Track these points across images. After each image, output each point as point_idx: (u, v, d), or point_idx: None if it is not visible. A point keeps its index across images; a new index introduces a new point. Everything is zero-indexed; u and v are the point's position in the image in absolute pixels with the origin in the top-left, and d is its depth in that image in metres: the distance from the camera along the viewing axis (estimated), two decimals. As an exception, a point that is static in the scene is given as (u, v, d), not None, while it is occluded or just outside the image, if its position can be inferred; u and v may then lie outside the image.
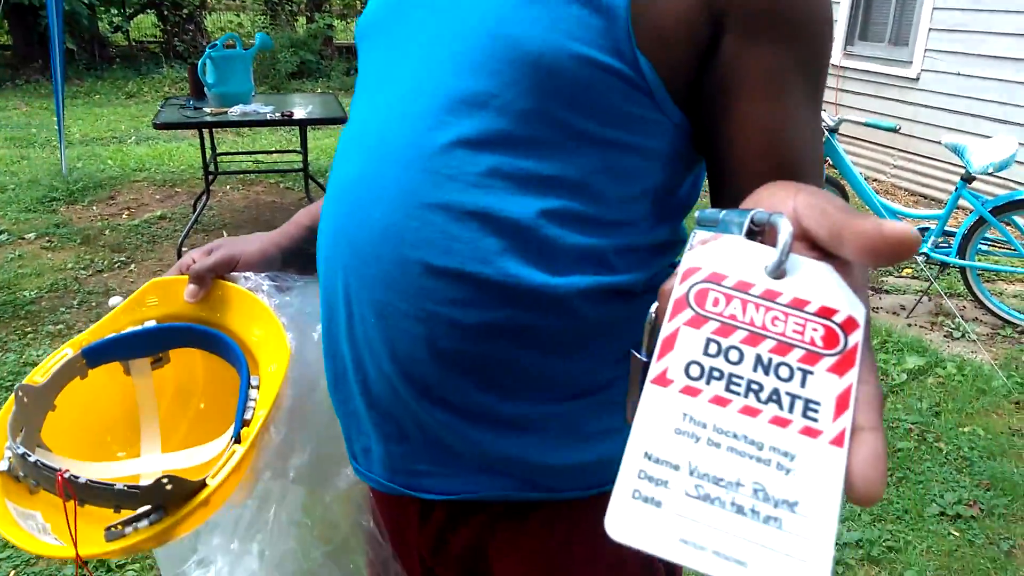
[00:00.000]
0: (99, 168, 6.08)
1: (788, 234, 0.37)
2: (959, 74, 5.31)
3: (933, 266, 3.78)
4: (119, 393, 0.92)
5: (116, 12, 10.82)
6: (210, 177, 4.44)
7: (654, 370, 0.36)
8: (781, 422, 0.34)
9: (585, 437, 0.74)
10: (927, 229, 3.76)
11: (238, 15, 12.99)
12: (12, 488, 0.77)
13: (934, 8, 5.47)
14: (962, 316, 3.67)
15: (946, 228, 3.68)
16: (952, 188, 3.61)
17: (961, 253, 3.57)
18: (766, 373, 0.35)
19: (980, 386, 3.05)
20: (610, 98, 0.65)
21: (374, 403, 0.76)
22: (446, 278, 0.68)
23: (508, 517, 0.78)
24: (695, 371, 0.35)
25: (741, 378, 0.35)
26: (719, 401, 0.35)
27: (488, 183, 0.67)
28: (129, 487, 0.71)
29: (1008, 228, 3.48)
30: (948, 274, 4.02)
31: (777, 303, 0.36)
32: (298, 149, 5.02)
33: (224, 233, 4.76)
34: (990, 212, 3.43)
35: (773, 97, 0.65)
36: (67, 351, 0.86)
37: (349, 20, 12.46)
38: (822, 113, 0.72)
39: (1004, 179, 4.84)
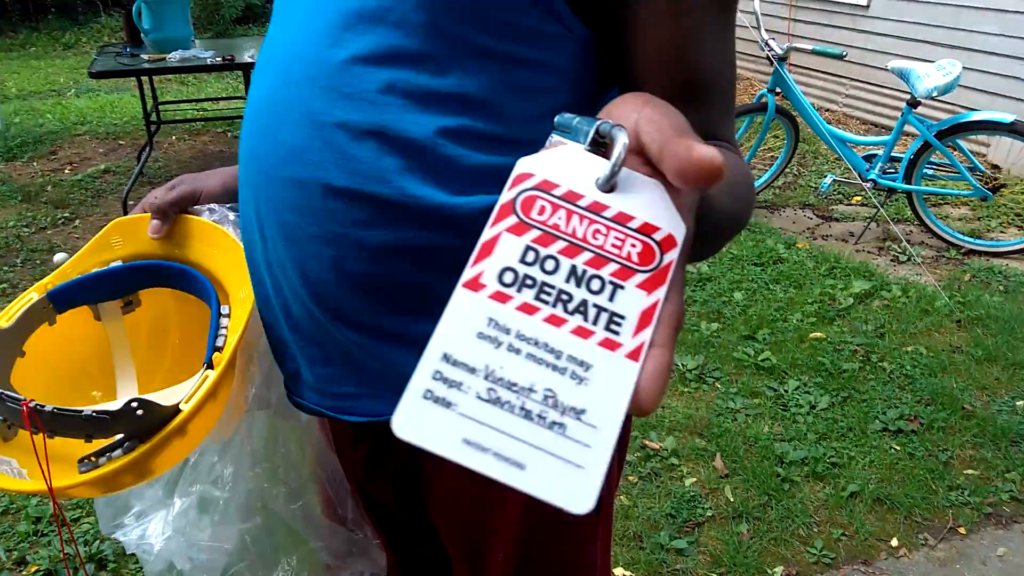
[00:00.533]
0: (38, 123, 5.86)
1: (622, 147, 0.36)
2: (909, 0, 5.31)
3: (881, 192, 3.83)
4: (92, 341, 0.91)
5: (47, -42, 10.31)
6: (152, 127, 4.31)
7: (467, 274, 0.35)
8: (584, 333, 0.35)
9: None
10: (875, 156, 3.80)
11: (177, -41, 12.46)
12: None
13: (883, -67, 5.44)
14: (908, 240, 3.75)
15: (893, 154, 3.72)
16: (901, 114, 3.64)
17: (907, 178, 3.62)
18: (578, 285, 0.35)
19: (924, 307, 3.13)
20: (506, 10, 0.63)
21: (296, 327, 0.76)
22: (348, 199, 0.67)
23: None
24: (508, 278, 0.35)
25: (553, 288, 0.35)
26: (527, 309, 0.35)
27: (385, 100, 0.65)
28: (98, 412, 0.69)
29: (953, 152, 3.53)
30: (896, 200, 4.08)
31: (602, 216, 0.37)
32: (244, 95, 4.88)
33: (171, 185, 4.65)
34: (935, 136, 3.47)
35: (675, 12, 0.62)
36: (32, 295, 0.85)
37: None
38: (735, 32, 0.70)
39: (949, 103, 4.89)
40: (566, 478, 0.32)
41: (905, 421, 2.45)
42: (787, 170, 4.62)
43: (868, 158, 3.85)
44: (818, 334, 2.93)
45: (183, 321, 0.97)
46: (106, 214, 4.22)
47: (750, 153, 4.23)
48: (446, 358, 0.34)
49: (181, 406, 0.74)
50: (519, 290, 0.35)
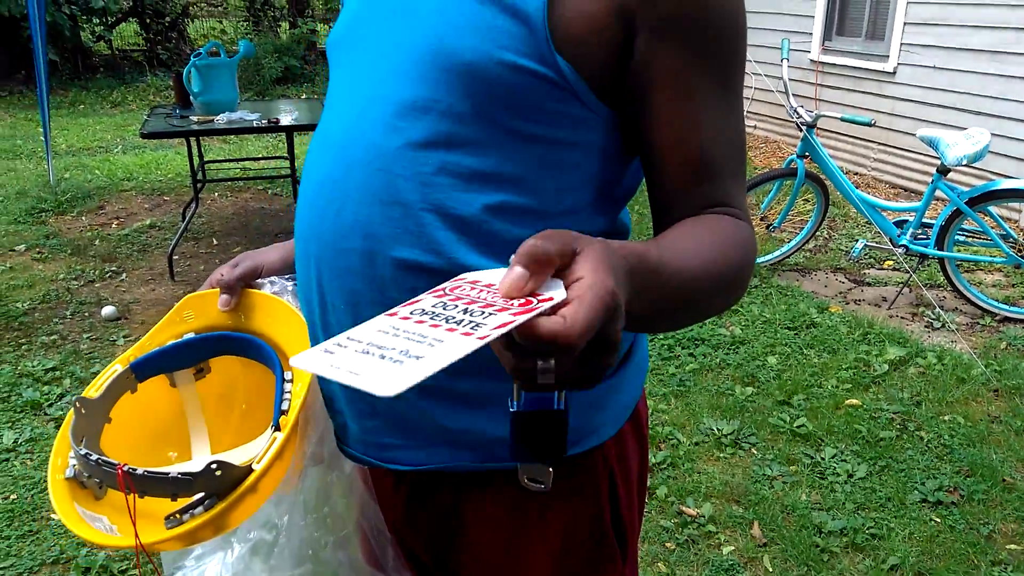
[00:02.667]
0: (86, 178, 6.08)
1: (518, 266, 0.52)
2: (935, 68, 5.40)
3: (913, 258, 3.85)
4: (167, 405, 0.98)
5: (98, 21, 10.79)
6: (198, 185, 4.46)
7: (391, 311, 0.51)
8: (449, 329, 0.48)
9: None
10: (906, 221, 3.84)
11: (220, 22, 12.97)
12: (80, 494, 0.83)
13: (909, 3, 5.56)
14: (942, 306, 3.75)
15: (924, 220, 3.75)
16: (931, 180, 3.68)
17: (939, 244, 3.64)
18: (464, 312, 0.50)
19: (960, 375, 3.13)
20: (537, 98, 0.72)
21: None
22: (405, 269, 0.75)
23: (472, 485, 0.85)
24: (416, 311, 0.51)
25: (442, 315, 0.50)
26: (418, 322, 0.50)
27: (437, 181, 0.74)
28: (182, 474, 0.76)
29: (984, 219, 3.56)
30: (928, 265, 4.10)
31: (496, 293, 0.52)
32: (285, 155, 5.04)
33: (214, 240, 4.79)
34: (966, 203, 3.50)
35: (682, 96, 0.72)
36: (117, 367, 0.92)
37: (331, 24, 12.46)
38: (743, 109, 0.77)
39: (979, 169, 4.92)
40: (383, 375, 0.44)
41: (945, 492, 2.44)
42: (818, 233, 4.66)
43: (899, 223, 3.88)
44: (854, 401, 2.94)
45: (248, 386, 1.03)
46: (151, 268, 4.35)
47: (780, 217, 4.29)
48: (348, 337, 0.49)
49: (253, 466, 0.79)
50: (419, 316, 0.51)
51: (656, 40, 0.70)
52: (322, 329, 0.84)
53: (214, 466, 0.76)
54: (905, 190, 5.75)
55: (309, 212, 0.82)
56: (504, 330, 0.46)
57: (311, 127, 4.39)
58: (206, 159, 5.35)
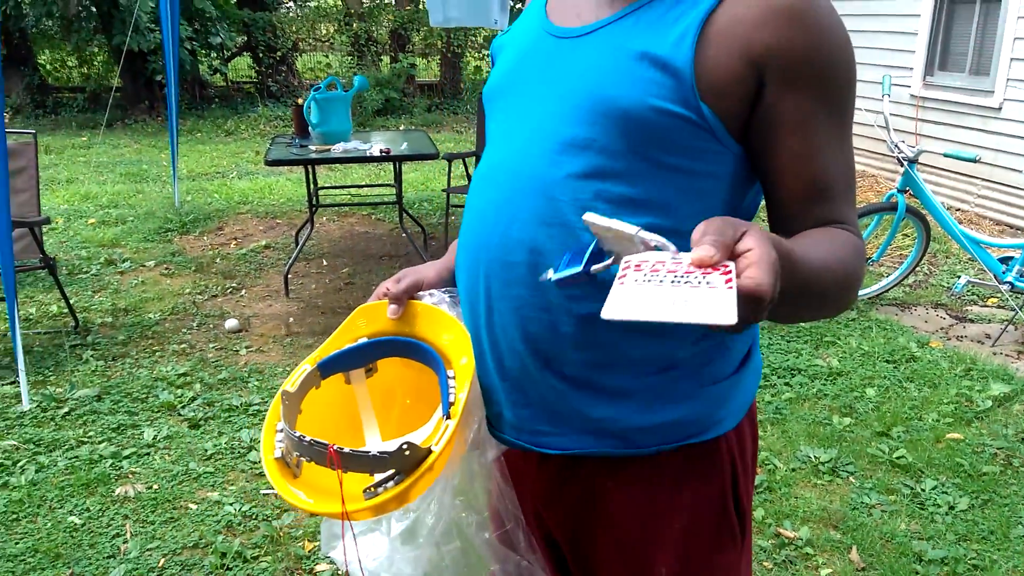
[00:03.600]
0: (206, 201, 6.53)
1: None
2: (1045, 103, 5.27)
3: (1018, 295, 3.78)
4: (343, 400, 1.13)
5: (215, 55, 11.53)
6: (313, 209, 4.77)
7: (622, 269, 0.65)
8: (693, 286, 0.60)
9: (669, 402, 0.95)
10: (1011, 258, 3.78)
11: (327, 56, 13.63)
12: (283, 472, 0.97)
13: (1015, 38, 5.46)
14: (1050, 345, 3.67)
15: (1031, 257, 3.69)
16: (1037, 218, 3.63)
17: (1047, 282, 3.58)
18: (682, 278, 0.62)
19: (1068, 414, 3.06)
20: (681, 137, 0.87)
21: (506, 376, 0.99)
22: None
23: (609, 468, 0.98)
24: (647, 276, 0.63)
25: (672, 276, 0.62)
26: (659, 274, 0.63)
27: (594, 206, 0.88)
28: (380, 452, 0.90)
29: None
30: (1035, 303, 4.01)
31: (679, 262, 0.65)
32: (390, 183, 5.33)
33: (323, 261, 5.08)
34: (1077, 241, 3.44)
35: (803, 134, 0.86)
36: (306, 366, 1.07)
37: (430, 58, 12.93)
38: (851, 138, 0.92)
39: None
40: (708, 305, 0.57)
41: (1051, 529, 2.41)
42: (918, 269, 4.61)
43: (1004, 260, 3.83)
44: (955, 435, 2.92)
45: (407, 383, 1.18)
46: (268, 285, 4.66)
47: (879, 251, 4.27)
48: (635, 281, 0.62)
49: (433, 447, 0.93)
50: (650, 276, 0.63)
51: (784, 88, 0.85)
52: (486, 329, 0.99)
53: (404, 447, 0.89)
54: (1010, 227, 5.60)
55: (479, 230, 0.99)
56: (734, 284, 0.59)
57: (420, 157, 4.65)
58: (320, 186, 5.69)
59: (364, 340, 1.11)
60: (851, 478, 2.69)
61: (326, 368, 1.09)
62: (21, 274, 4.25)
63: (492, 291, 0.96)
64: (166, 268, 4.94)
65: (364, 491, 0.91)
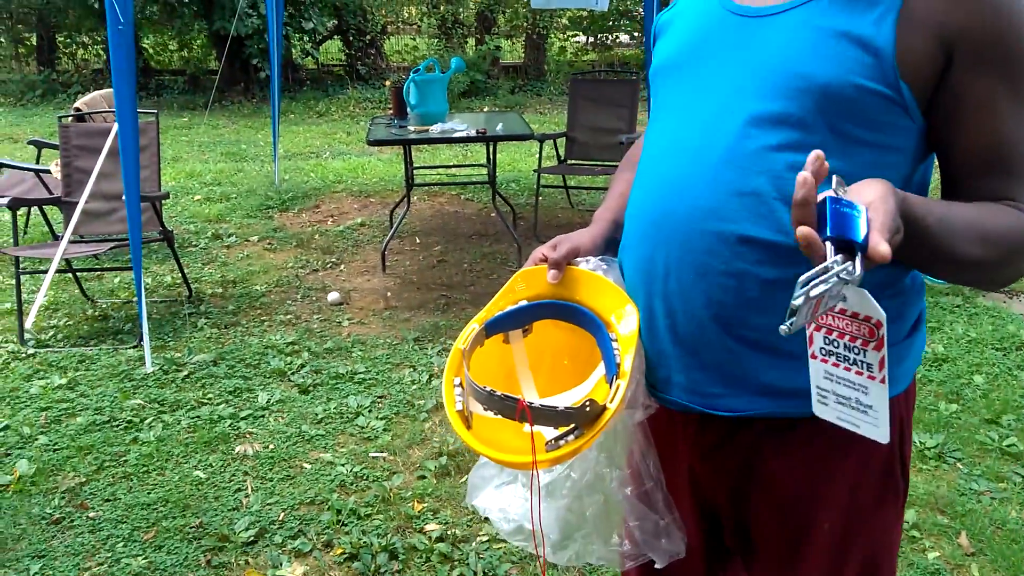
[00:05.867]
0: (303, 180, 6.77)
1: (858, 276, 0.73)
2: None
3: None
4: (498, 357, 1.18)
5: (307, 39, 11.86)
6: (409, 188, 4.89)
7: (811, 352, 0.85)
8: (858, 372, 0.80)
9: None
10: None
11: (414, 39, 13.84)
12: (461, 423, 1.02)
13: None
14: None
15: None
16: None
17: None
18: (847, 350, 0.81)
19: None
20: (877, 112, 0.90)
21: (680, 341, 1.02)
22: (754, 245, 0.93)
23: (775, 430, 1.01)
24: (823, 351, 0.84)
25: (841, 354, 0.81)
26: (834, 364, 0.83)
27: (787, 175, 0.91)
28: (567, 408, 0.94)
29: None
30: None
31: (848, 316, 0.80)
32: (482, 163, 5.41)
33: (416, 239, 5.22)
34: None
35: (986, 111, 0.89)
36: (475, 326, 1.14)
37: (514, 40, 12.98)
38: None
39: None
40: (872, 427, 0.79)
41: None
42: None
43: None
44: (1071, 425, 2.83)
45: (557, 344, 1.22)
46: (365, 261, 4.82)
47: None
48: (830, 393, 0.84)
49: (608, 404, 0.97)
50: (832, 358, 0.83)
51: (972, 67, 0.88)
52: (661, 297, 1.02)
53: (587, 404, 0.94)
54: None
55: (659, 202, 1.02)
56: (886, 368, 0.79)
57: (516, 137, 4.71)
58: (416, 165, 5.83)
59: (525, 303, 1.16)
60: (959, 464, 2.64)
61: (492, 328, 1.14)
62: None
63: (672, 259, 1.00)
64: (269, 243, 5.16)
65: (546, 444, 0.95)
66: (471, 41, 12.37)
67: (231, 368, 3.44)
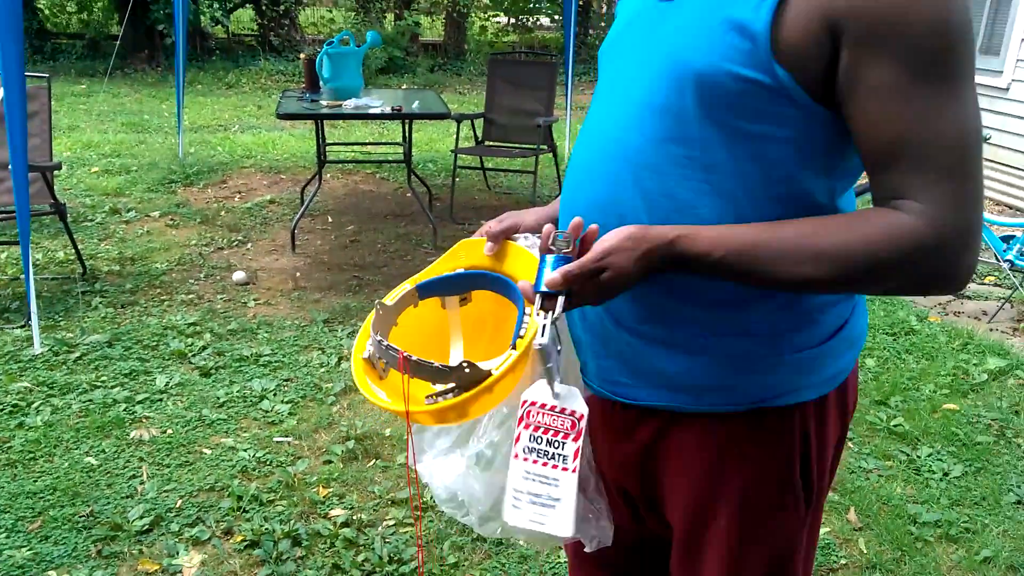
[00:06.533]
0: (210, 154, 6.52)
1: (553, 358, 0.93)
2: (1052, 85, 5.30)
3: (1018, 273, 3.85)
4: (436, 322, 1.21)
5: (217, 6, 11.39)
6: (322, 165, 4.77)
7: (514, 452, 0.96)
8: (554, 466, 0.94)
9: (743, 364, 0.97)
10: (1012, 237, 3.84)
11: (330, 11, 13.48)
12: (370, 372, 1.06)
13: (1029, 18, 5.47)
14: (1045, 323, 3.74)
15: (1033, 236, 3.75)
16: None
17: (1047, 261, 3.64)
18: (548, 444, 0.94)
19: (1061, 390, 3.15)
20: (757, 102, 0.86)
21: (589, 328, 1.04)
22: None
23: (677, 423, 1.02)
24: (526, 449, 0.95)
25: (541, 450, 0.94)
26: (534, 462, 0.95)
27: (669, 170, 0.91)
28: (441, 366, 0.98)
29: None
30: (1033, 282, 4.08)
31: (557, 412, 0.95)
32: (396, 141, 5.32)
33: (328, 218, 5.10)
34: (1079, 222, 3.49)
35: (883, 99, 0.83)
36: (406, 285, 1.17)
37: (434, 17, 12.81)
38: (963, 109, 0.83)
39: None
40: (556, 523, 0.93)
41: (1041, 497, 2.50)
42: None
43: (1005, 239, 3.88)
44: (951, 406, 3.00)
45: (497, 316, 1.24)
46: (273, 240, 4.68)
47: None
48: (515, 490, 0.96)
49: (493, 371, 0.99)
50: (532, 455, 0.95)
51: (860, 50, 0.82)
52: None
53: (464, 365, 0.96)
54: (1010, 207, 5.66)
55: (572, 189, 1.03)
56: (579, 459, 0.93)
57: (431, 116, 4.64)
58: (328, 142, 5.69)
59: (460, 271, 1.20)
60: (850, 443, 2.76)
61: (424, 290, 1.18)
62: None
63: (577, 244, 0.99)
64: (171, 219, 4.95)
65: (426, 397, 1.00)
66: (390, 16, 12.13)
67: (127, 349, 3.29)
